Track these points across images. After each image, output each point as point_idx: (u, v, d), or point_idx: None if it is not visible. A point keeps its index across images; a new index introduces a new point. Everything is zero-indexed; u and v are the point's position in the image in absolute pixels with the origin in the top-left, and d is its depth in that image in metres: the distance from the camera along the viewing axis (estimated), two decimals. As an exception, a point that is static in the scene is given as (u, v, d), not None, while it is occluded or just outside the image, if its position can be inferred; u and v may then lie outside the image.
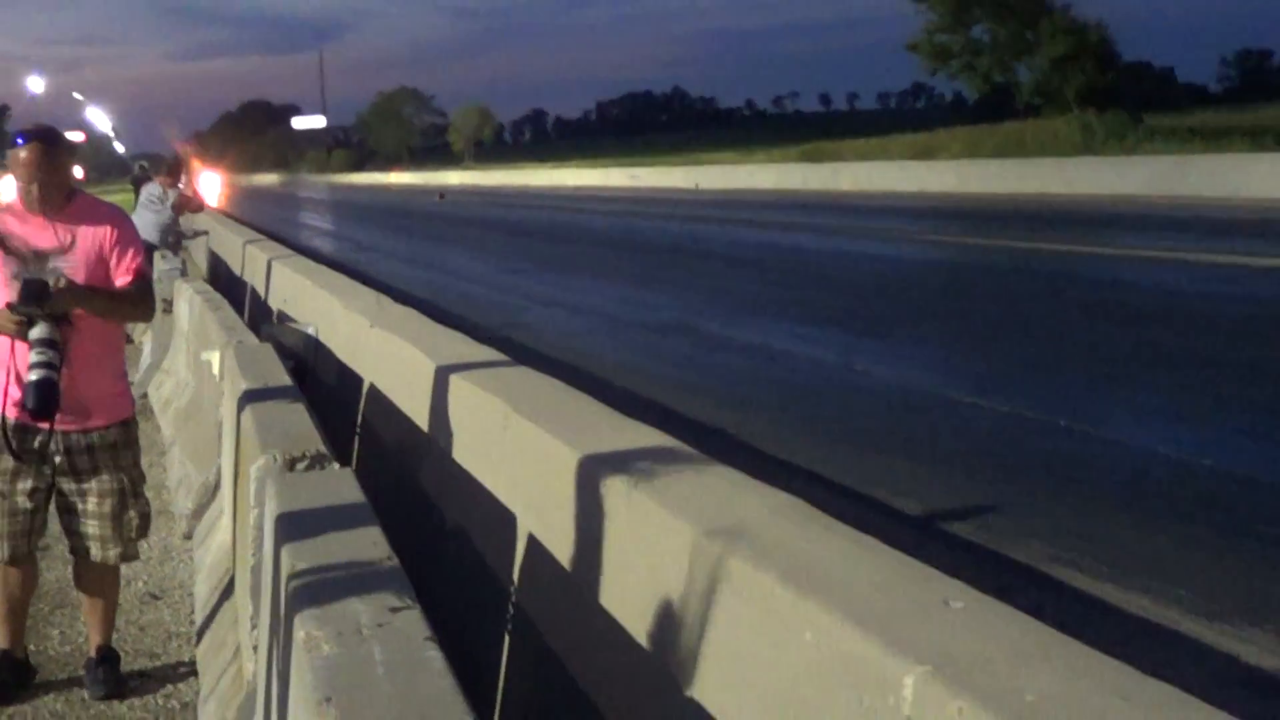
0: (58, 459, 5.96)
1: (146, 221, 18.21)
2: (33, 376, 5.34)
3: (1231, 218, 28.81)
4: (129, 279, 5.90)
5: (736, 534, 3.67)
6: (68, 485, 6.04)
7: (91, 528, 6.08)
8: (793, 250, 26.60)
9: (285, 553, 3.83)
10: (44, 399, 5.33)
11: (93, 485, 6.04)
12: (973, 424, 9.69)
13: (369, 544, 3.88)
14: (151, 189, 18.84)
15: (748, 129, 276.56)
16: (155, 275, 16.71)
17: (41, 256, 5.69)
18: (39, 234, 5.78)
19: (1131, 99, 62.20)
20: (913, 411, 10.27)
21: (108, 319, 6.00)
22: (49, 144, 5.85)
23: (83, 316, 5.67)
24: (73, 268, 5.67)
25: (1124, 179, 39.85)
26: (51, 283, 5.37)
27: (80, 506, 6.07)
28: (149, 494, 6.56)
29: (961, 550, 6.73)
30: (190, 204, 19.81)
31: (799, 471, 8.45)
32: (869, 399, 10.90)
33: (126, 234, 5.98)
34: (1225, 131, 51.32)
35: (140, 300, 6.09)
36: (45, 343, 5.38)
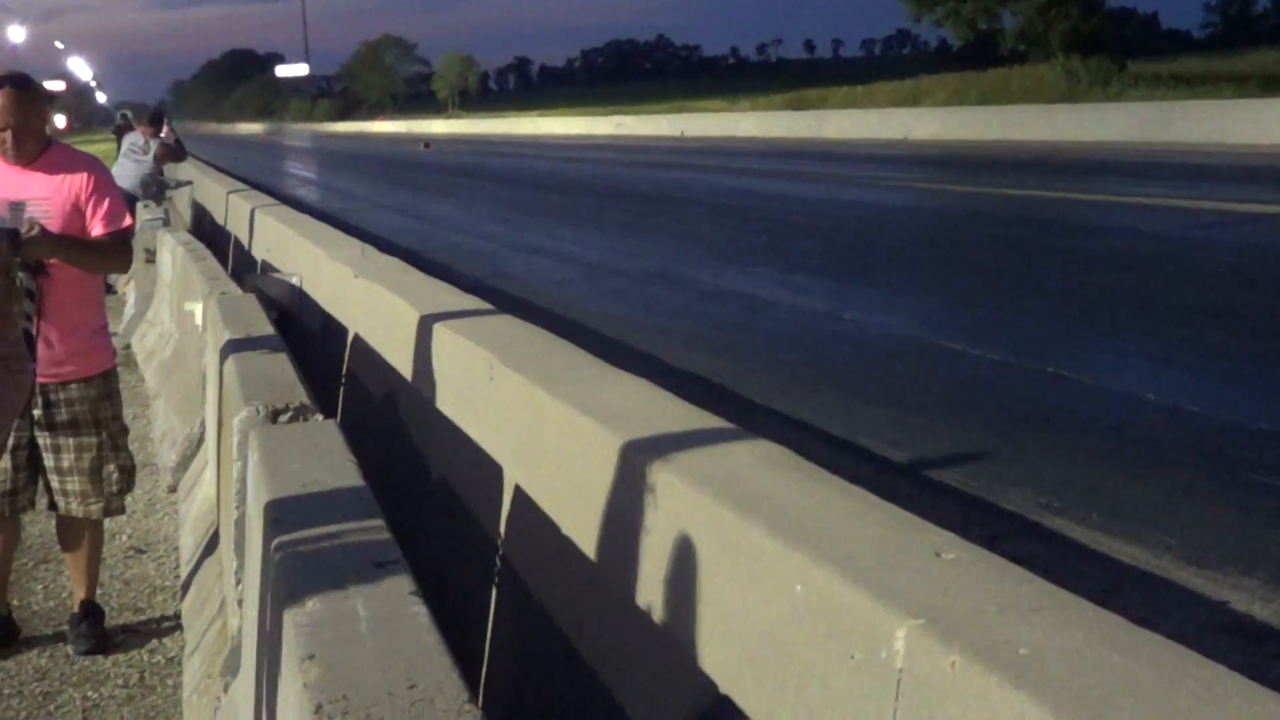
0: (36, 413, 5.90)
1: (128, 171, 18.14)
2: None
3: (1216, 163, 28.78)
4: (105, 229, 5.83)
5: (725, 484, 3.64)
6: (46, 440, 5.98)
7: (72, 483, 6.03)
8: (778, 198, 26.55)
9: (268, 507, 3.79)
10: None
11: (71, 440, 5.98)
12: (961, 372, 9.66)
13: (353, 497, 3.85)
14: (133, 138, 18.76)
15: (732, 76, 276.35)
16: (138, 225, 16.66)
17: (16, 205, 5.62)
18: (13, 182, 5.71)
19: (1115, 45, 62.21)
20: (901, 359, 10.23)
21: (84, 269, 5.92)
22: (21, 89, 5.76)
23: (59, 266, 5.60)
24: (48, 217, 5.60)
25: (1108, 126, 39.85)
26: (24, 230, 5.29)
27: (60, 461, 6.01)
28: (133, 446, 6.53)
29: (951, 498, 6.70)
30: (172, 153, 19.70)
31: (787, 420, 8.43)
32: (856, 347, 10.87)
33: (103, 183, 5.90)
34: (1208, 77, 51.33)
35: (116, 250, 6.01)
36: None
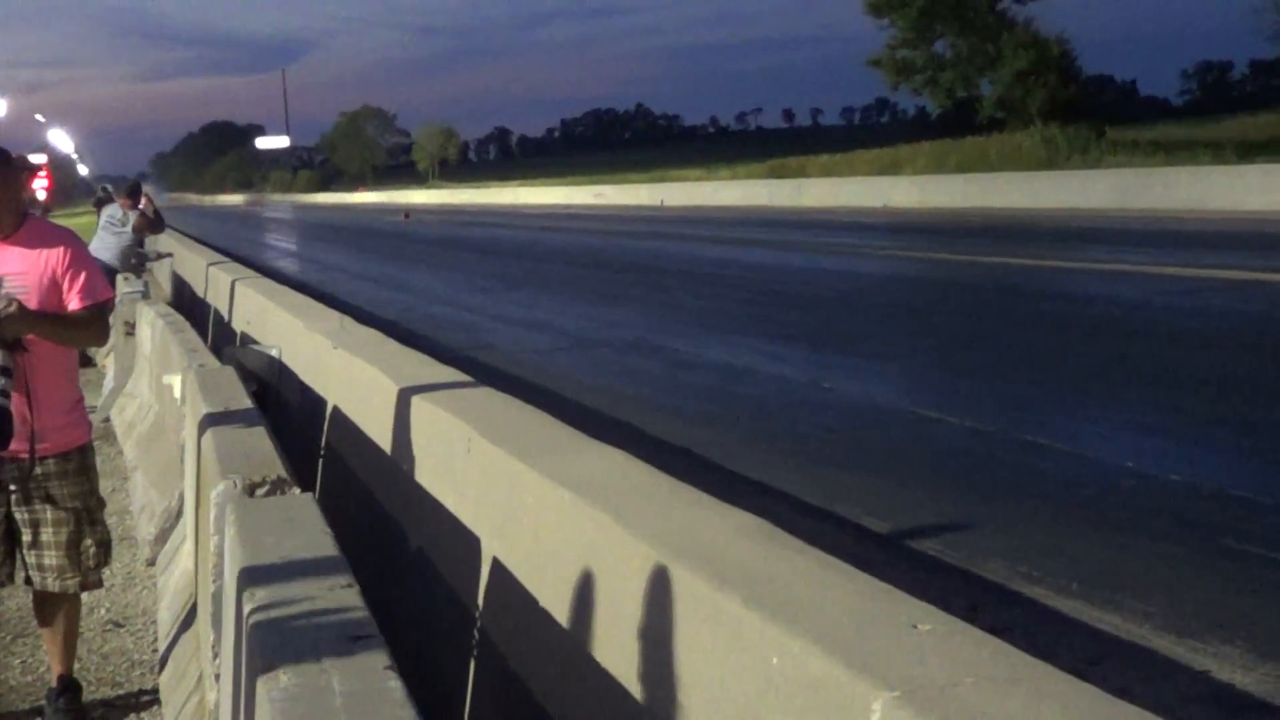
0: (12, 487, 5.87)
1: (107, 244, 18.14)
2: None
3: (1194, 230, 28.96)
4: (81, 303, 5.81)
5: (702, 555, 3.63)
6: (22, 514, 5.93)
7: (49, 558, 5.98)
8: (758, 267, 26.63)
9: (245, 580, 3.78)
10: None
11: (48, 514, 5.93)
12: (940, 440, 9.68)
13: (329, 570, 3.83)
14: (112, 210, 18.75)
15: (712, 145, 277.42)
16: (118, 298, 16.64)
17: None
18: None
19: (1094, 112, 62.46)
20: (879, 428, 10.26)
21: (61, 344, 5.90)
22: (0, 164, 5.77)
23: (35, 342, 5.57)
24: (24, 293, 5.57)
25: (1087, 192, 40.04)
26: (1, 308, 5.27)
27: (36, 536, 5.96)
28: (111, 520, 6.50)
29: (930, 568, 6.70)
30: (151, 225, 19.70)
31: (765, 489, 8.44)
32: (835, 415, 10.89)
33: (79, 257, 5.88)
34: (1187, 144, 51.62)
35: (93, 324, 5.98)
36: None
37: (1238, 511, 7.42)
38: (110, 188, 25.94)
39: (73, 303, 5.79)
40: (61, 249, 5.81)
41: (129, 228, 18.47)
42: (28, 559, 6.02)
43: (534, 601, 4.59)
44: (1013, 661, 2.84)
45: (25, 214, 5.91)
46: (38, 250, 5.76)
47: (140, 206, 18.86)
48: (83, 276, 5.83)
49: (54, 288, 5.74)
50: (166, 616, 7.32)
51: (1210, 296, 17.04)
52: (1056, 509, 7.69)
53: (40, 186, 56.47)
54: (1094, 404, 10.75)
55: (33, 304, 5.56)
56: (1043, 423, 10.01)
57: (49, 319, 5.68)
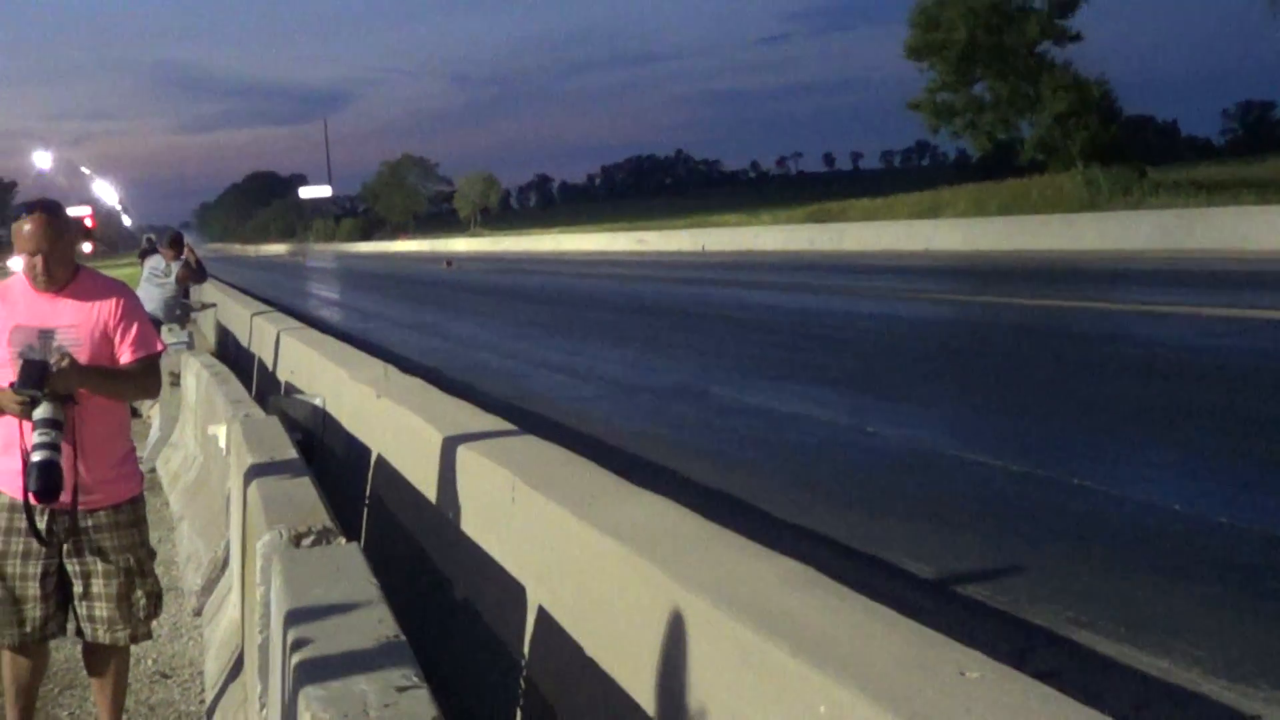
0: (65, 541, 5.89)
1: (151, 295, 18.26)
2: (35, 458, 5.27)
3: (1238, 270, 28.82)
4: (133, 356, 5.83)
5: (747, 603, 3.63)
6: (74, 566, 5.94)
7: (100, 610, 5.99)
8: (800, 311, 26.61)
9: (291, 631, 3.79)
10: (46, 480, 5.27)
11: (99, 566, 5.94)
12: (986, 484, 9.63)
13: (375, 621, 3.84)
14: (155, 262, 18.86)
15: (752, 190, 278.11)
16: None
17: (45, 334, 5.63)
18: (42, 310, 5.73)
19: (1135, 153, 62.35)
20: (925, 472, 10.21)
21: (112, 397, 5.92)
22: (51, 215, 5.78)
23: (87, 395, 5.61)
24: (77, 345, 5.60)
25: (1130, 233, 39.89)
26: (53, 362, 5.31)
27: (87, 588, 5.97)
28: (158, 570, 6.51)
29: (978, 613, 6.67)
30: (194, 275, 19.81)
31: (811, 536, 8.41)
32: (881, 460, 10.85)
33: (130, 308, 5.90)
34: (1229, 184, 51.44)
35: (145, 377, 5.99)
36: (48, 423, 5.31)
37: (1286, 554, 7.38)
38: (155, 237, 26.07)
39: (125, 355, 5.81)
40: (114, 301, 5.84)
41: (172, 278, 18.58)
42: (79, 610, 6.03)
43: (580, 650, 4.59)
44: (1063, 709, 2.83)
45: (77, 266, 5.94)
46: (90, 303, 5.80)
47: (183, 256, 18.97)
48: (135, 329, 5.86)
49: (105, 340, 5.77)
50: (213, 667, 7.34)
51: (1255, 337, 16.95)
52: (1103, 552, 7.65)
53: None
54: (1140, 446, 10.69)
55: (84, 356, 5.60)
56: (1088, 465, 9.95)
57: (100, 373, 5.71)
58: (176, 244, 19.24)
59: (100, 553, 5.94)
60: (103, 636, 6.04)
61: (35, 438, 5.30)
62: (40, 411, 5.32)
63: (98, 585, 5.97)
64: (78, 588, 5.99)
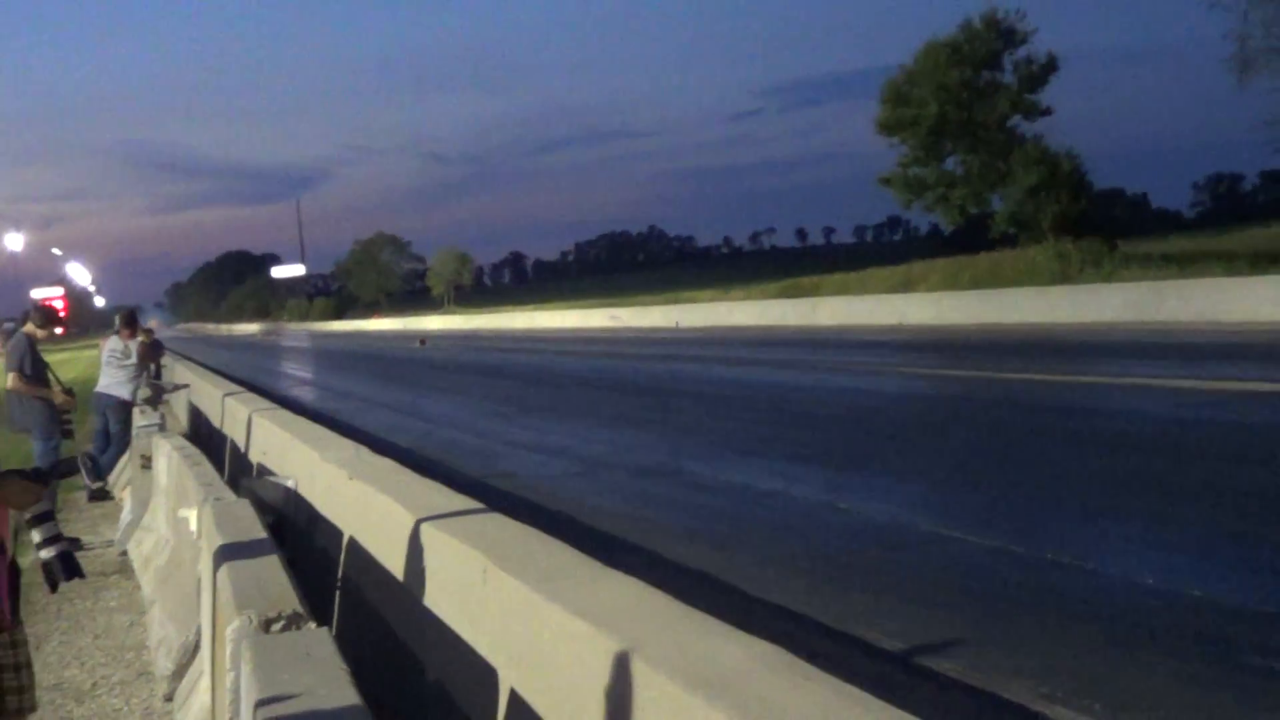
0: None
1: (116, 379, 18.23)
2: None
3: (1210, 342, 28.95)
4: None
5: (720, 686, 3.62)
6: None
7: None
8: (774, 386, 26.66)
9: (261, 717, 3.77)
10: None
11: None
12: (959, 559, 9.63)
13: (345, 706, 3.82)
14: (113, 344, 18.76)
15: (726, 265, 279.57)
16: (134, 431, 16.71)
17: None
18: None
19: (1106, 226, 62.79)
20: (898, 548, 10.21)
21: None
22: None
23: None
24: None
25: (1101, 306, 40.15)
26: None
27: None
28: (128, 654, 6.44)
29: (951, 689, 6.66)
30: (152, 351, 19.78)
31: (785, 613, 8.40)
32: (852, 536, 10.84)
33: None
34: (1200, 256, 51.78)
35: None
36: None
37: (1261, 627, 7.38)
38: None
39: None
40: None
41: (133, 358, 18.51)
42: None
43: (552, 734, 4.57)
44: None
45: None
46: None
47: (139, 336, 18.92)
48: None
49: None
50: (184, 753, 7.29)
51: (1229, 409, 17.01)
52: (1077, 626, 7.65)
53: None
54: (1114, 520, 10.70)
55: None
56: (1062, 540, 9.96)
57: None
58: (131, 323, 19.12)
59: None
60: None
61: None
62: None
63: None
64: None
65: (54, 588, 5.31)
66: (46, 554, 5.24)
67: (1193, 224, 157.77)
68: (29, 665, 5.86)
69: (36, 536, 5.28)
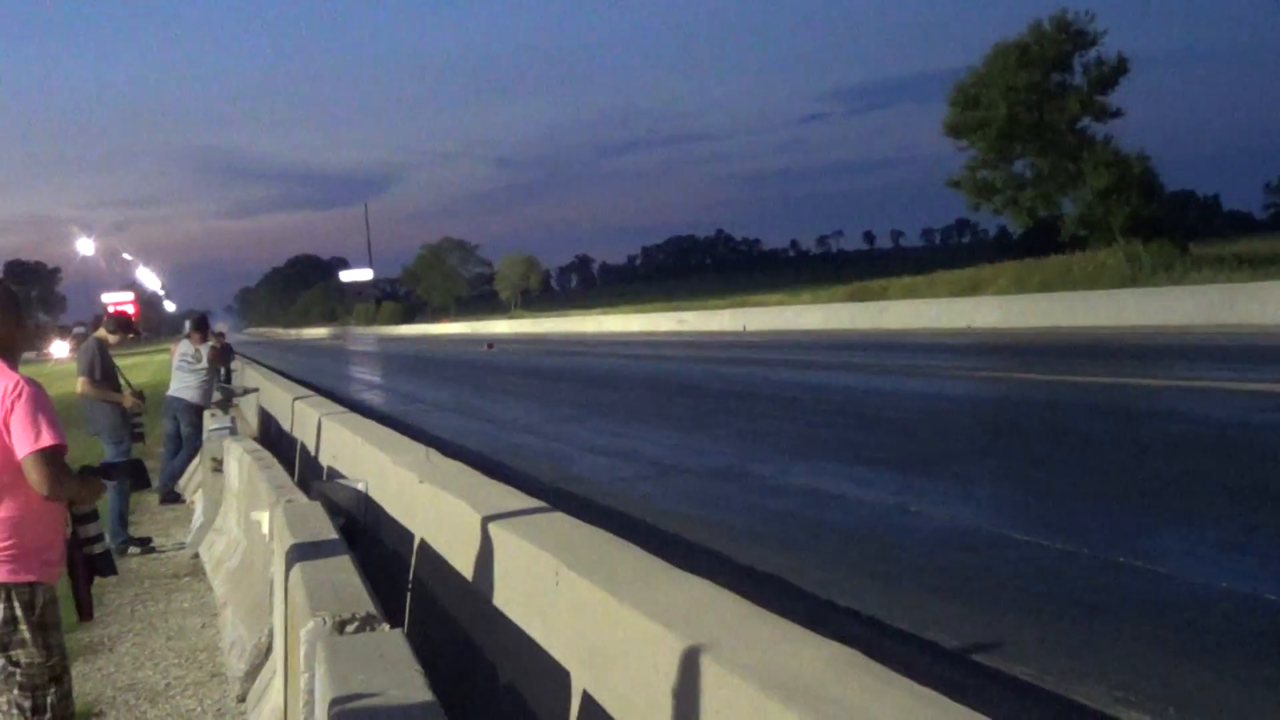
0: None
1: (187, 383, 18.36)
2: None
3: (1283, 344, 28.68)
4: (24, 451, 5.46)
5: (792, 688, 3.61)
6: None
7: None
8: (842, 390, 26.57)
9: (336, 719, 3.78)
10: None
11: None
12: (1030, 563, 9.57)
13: (419, 708, 3.83)
14: (184, 348, 18.87)
15: (793, 269, 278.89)
16: (205, 434, 16.83)
17: None
18: None
19: (1177, 228, 62.36)
20: (969, 552, 10.15)
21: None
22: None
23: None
24: None
25: (1172, 309, 39.81)
26: None
27: None
28: (201, 655, 6.46)
29: (1024, 693, 6.61)
30: (223, 354, 19.88)
31: (856, 616, 8.37)
32: (924, 541, 10.78)
33: (25, 407, 5.52)
34: (1272, 258, 51.33)
35: (33, 472, 5.47)
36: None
37: (1338, 632, 7.30)
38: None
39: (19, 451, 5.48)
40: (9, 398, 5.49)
41: (204, 362, 18.62)
42: None
43: (625, 736, 4.57)
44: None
45: None
46: None
47: (210, 340, 19.04)
48: (22, 422, 5.46)
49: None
50: (257, 754, 7.32)
51: (1301, 412, 16.85)
52: (1151, 631, 7.58)
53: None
54: (1186, 524, 10.61)
55: None
56: (1134, 543, 9.88)
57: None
58: (202, 327, 19.22)
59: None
60: None
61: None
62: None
63: None
64: None
65: (90, 580, 5.41)
66: (90, 550, 5.32)
67: (1265, 226, 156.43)
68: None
69: (80, 534, 5.36)
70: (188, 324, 19.58)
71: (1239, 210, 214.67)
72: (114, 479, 5.89)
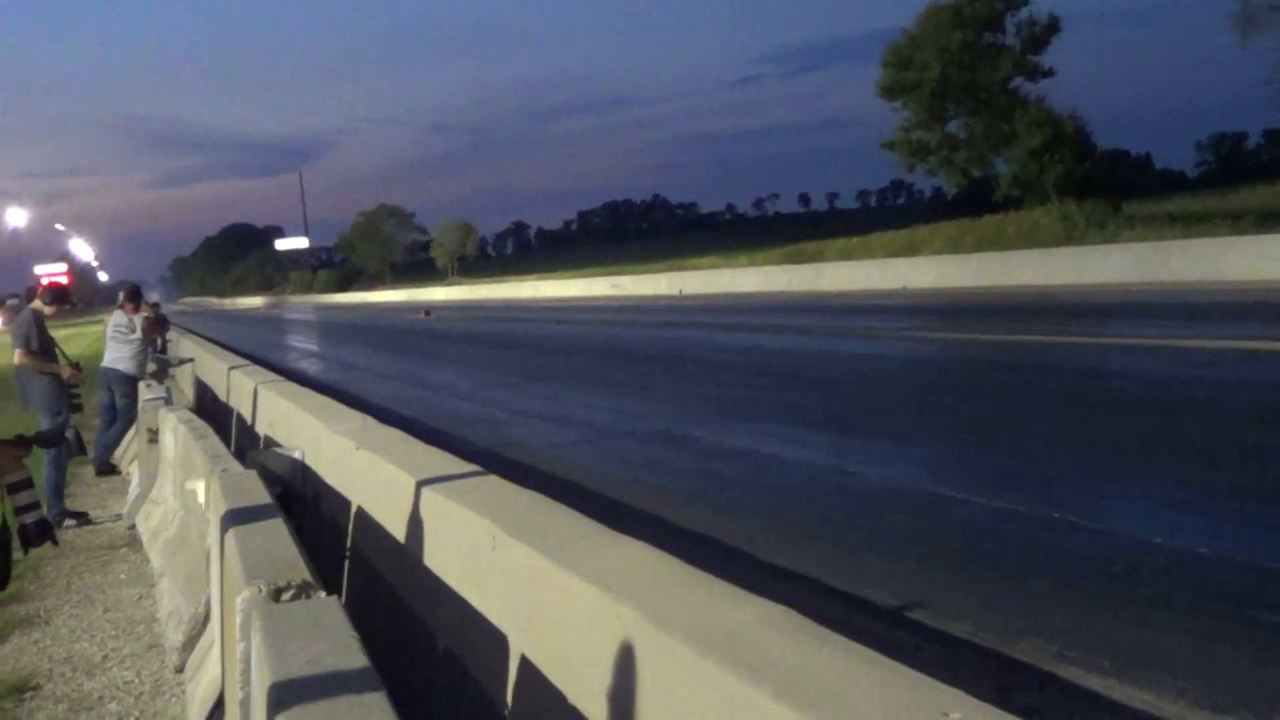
0: None
1: (122, 353, 18.20)
2: None
3: (1215, 301, 28.89)
4: None
5: (730, 648, 3.62)
6: None
7: None
8: (779, 352, 26.61)
9: (272, 687, 3.76)
10: None
11: None
12: (966, 521, 9.63)
13: (356, 675, 3.82)
14: (117, 319, 18.71)
15: (729, 232, 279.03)
16: (140, 405, 16.72)
17: None
18: None
19: (1110, 187, 62.65)
20: (906, 511, 10.20)
21: None
22: None
23: None
24: None
25: (1106, 267, 40.04)
26: None
27: None
28: (139, 627, 6.45)
29: (962, 650, 6.66)
30: (158, 324, 19.74)
31: (793, 576, 8.40)
32: (861, 500, 10.83)
33: None
34: (1204, 216, 51.72)
35: None
36: None
37: (1268, 584, 7.38)
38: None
39: None
40: None
41: (138, 332, 18.47)
42: None
43: (563, 699, 4.57)
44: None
45: None
46: None
47: (143, 310, 18.88)
48: None
49: None
50: (196, 724, 7.29)
51: (1233, 367, 16.98)
52: (1086, 586, 7.65)
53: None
54: (1120, 479, 10.70)
55: None
56: (1069, 500, 9.96)
57: None
58: (135, 297, 19.05)
59: None
60: None
61: None
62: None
63: None
64: None
65: (25, 550, 5.38)
66: (23, 519, 5.31)
67: (1197, 184, 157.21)
68: None
69: (12, 503, 5.34)
70: (121, 294, 19.42)
71: (1171, 169, 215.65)
72: (52, 446, 5.89)
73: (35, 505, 5.45)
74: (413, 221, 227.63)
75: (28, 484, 5.43)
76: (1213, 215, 50.76)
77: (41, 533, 5.43)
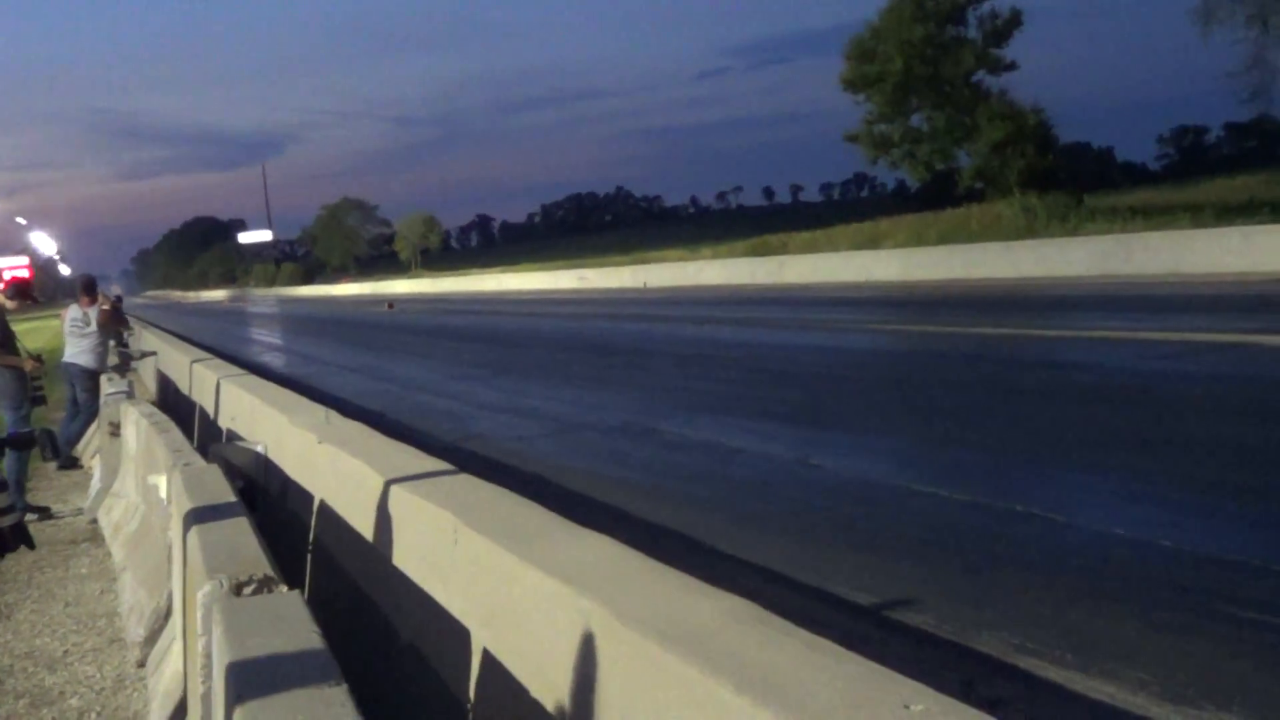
0: None
1: (80, 347, 18.13)
2: None
3: (1176, 294, 29.01)
4: None
5: (692, 642, 3.62)
6: None
7: None
8: (743, 345, 26.63)
9: (233, 682, 3.75)
10: None
11: None
12: (930, 514, 9.64)
13: (318, 670, 3.81)
14: (73, 312, 18.62)
15: (693, 225, 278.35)
16: (102, 399, 16.65)
17: None
18: None
19: (1072, 180, 62.95)
20: (868, 503, 10.22)
21: None
22: None
23: None
24: None
25: (1068, 260, 40.15)
26: None
27: None
28: (100, 621, 6.42)
29: (924, 643, 6.67)
30: (115, 317, 19.63)
31: (756, 569, 8.41)
32: (824, 493, 10.84)
33: None
34: (1165, 209, 51.87)
35: None
36: None
37: (1230, 576, 7.40)
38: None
39: None
40: None
41: (93, 325, 18.39)
42: None
43: (525, 692, 4.57)
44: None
45: None
46: None
47: (99, 303, 18.78)
48: None
49: None
50: (157, 718, 7.26)
51: (1194, 360, 17.04)
52: (1049, 578, 7.67)
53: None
54: (1083, 472, 10.73)
55: None
56: (1033, 492, 9.99)
57: None
58: (90, 290, 18.95)
59: None
60: None
61: None
62: None
63: None
64: None
65: (1, 554, 5.31)
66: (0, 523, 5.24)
67: (1159, 177, 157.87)
68: None
69: None
70: (77, 287, 19.34)
71: (1133, 162, 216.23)
72: (26, 449, 5.83)
73: (11, 509, 5.37)
74: (376, 215, 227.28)
75: (3, 487, 5.37)
76: (1174, 208, 50.90)
77: (18, 536, 5.36)
